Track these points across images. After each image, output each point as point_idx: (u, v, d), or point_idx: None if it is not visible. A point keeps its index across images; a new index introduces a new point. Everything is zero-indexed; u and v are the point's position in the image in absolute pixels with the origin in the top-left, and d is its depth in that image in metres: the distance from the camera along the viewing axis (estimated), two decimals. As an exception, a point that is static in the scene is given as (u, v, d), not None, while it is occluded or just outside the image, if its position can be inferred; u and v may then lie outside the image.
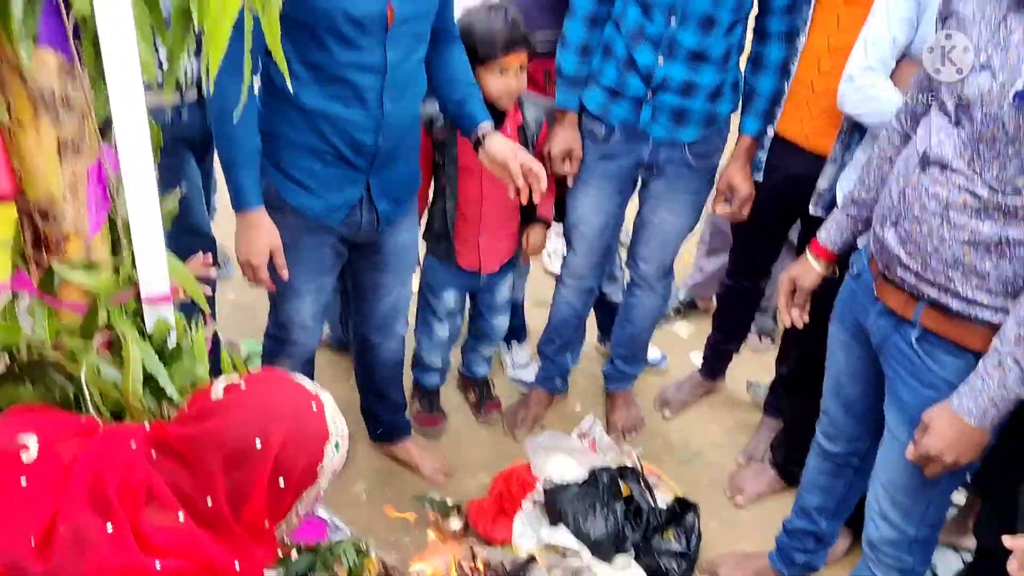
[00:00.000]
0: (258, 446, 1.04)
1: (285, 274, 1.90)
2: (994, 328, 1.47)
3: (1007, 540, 1.32)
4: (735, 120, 2.29)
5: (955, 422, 1.47)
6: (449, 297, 2.54)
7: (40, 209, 1.10)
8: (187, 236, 2.16)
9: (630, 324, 2.65)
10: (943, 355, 1.55)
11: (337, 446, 1.12)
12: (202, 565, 1.04)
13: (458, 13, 2.10)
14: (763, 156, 2.35)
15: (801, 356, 2.39)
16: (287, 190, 1.90)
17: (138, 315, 1.22)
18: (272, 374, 1.19)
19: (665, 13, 2.04)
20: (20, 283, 1.15)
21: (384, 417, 2.51)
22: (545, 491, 2.27)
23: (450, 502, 2.35)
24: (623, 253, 2.81)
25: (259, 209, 1.83)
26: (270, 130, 1.84)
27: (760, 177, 2.35)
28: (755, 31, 2.18)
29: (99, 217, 1.14)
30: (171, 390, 1.21)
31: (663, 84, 2.12)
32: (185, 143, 2.25)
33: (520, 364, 3.00)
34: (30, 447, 1.05)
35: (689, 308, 3.41)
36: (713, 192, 2.40)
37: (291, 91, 1.65)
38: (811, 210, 2.24)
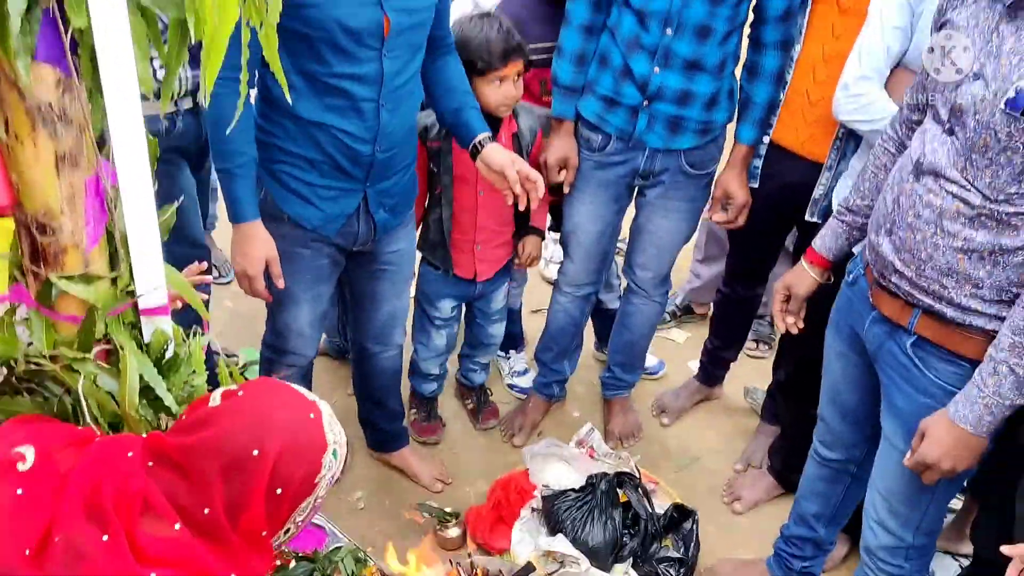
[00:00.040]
0: (255, 455, 1.04)
1: (281, 284, 1.91)
2: (989, 335, 1.48)
3: (1006, 549, 1.32)
4: (731, 128, 2.30)
5: (952, 430, 1.48)
6: (445, 305, 2.55)
7: (38, 222, 1.10)
8: (180, 246, 2.16)
9: (627, 332, 2.65)
10: (938, 362, 1.56)
11: (335, 455, 1.12)
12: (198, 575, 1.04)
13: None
14: (759, 164, 2.36)
15: (798, 362, 2.39)
16: (284, 200, 1.91)
17: (136, 326, 1.22)
18: (270, 383, 1.19)
19: (661, 22, 2.04)
20: (18, 295, 1.15)
21: (382, 425, 2.51)
22: (543, 498, 2.27)
23: (448, 510, 2.35)
24: (620, 261, 2.82)
25: (255, 221, 1.83)
26: (267, 141, 1.85)
27: (756, 184, 2.37)
28: (750, 40, 2.19)
29: (97, 230, 1.15)
30: (169, 401, 1.21)
31: (659, 93, 2.13)
32: (179, 152, 2.25)
33: (518, 372, 3.00)
34: (27, 457, 1.05)
35: (686, 313, 3.41)
36: (710, 200, 2.41)
37: (288, 102, 1.65)
38: (807, 217, 2.25)
